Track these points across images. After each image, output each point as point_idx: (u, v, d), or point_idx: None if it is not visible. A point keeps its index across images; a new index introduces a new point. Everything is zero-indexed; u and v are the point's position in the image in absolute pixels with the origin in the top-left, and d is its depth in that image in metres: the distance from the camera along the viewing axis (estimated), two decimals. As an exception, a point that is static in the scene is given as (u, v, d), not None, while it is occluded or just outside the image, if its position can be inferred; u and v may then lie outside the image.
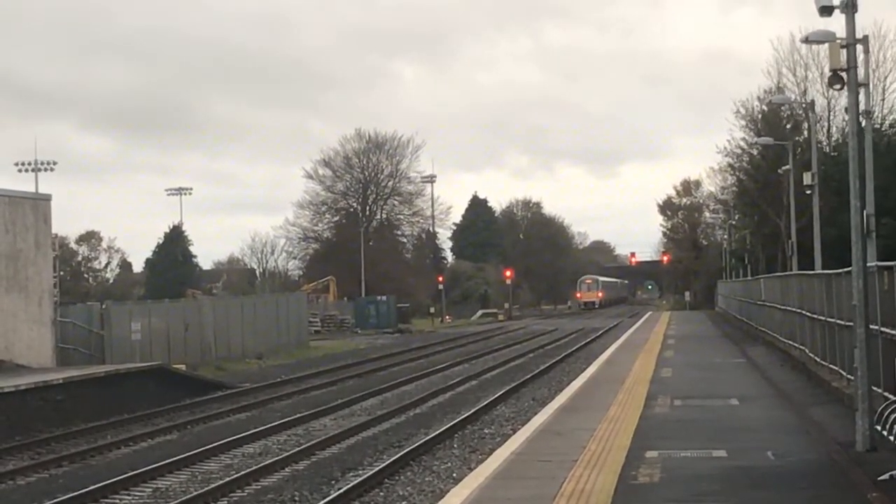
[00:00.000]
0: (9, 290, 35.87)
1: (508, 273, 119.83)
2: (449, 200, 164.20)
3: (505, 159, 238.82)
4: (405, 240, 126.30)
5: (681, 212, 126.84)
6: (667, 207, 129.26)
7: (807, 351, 29.88)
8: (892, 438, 16.22)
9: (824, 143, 61.78)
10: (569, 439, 17.73)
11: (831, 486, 13.77)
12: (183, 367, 40.93)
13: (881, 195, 33.59)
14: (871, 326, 17.58)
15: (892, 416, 16.53)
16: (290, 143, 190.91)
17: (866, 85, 29.97)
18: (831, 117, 64.24)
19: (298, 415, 29.27)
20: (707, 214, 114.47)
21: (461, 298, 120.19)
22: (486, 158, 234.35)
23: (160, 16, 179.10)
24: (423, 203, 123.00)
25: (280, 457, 22.17)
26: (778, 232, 61.63)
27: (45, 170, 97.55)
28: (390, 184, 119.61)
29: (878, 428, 16.67)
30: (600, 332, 68.42)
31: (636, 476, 14.31)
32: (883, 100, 61.49)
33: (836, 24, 17.66)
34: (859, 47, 18.18)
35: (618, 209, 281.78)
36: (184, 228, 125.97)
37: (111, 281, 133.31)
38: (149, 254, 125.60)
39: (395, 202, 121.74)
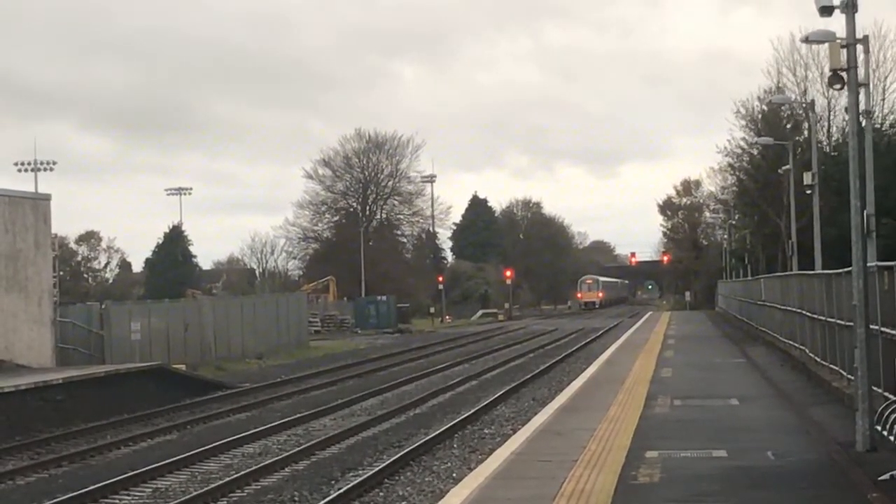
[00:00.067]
0: (9, 290, 35.86)
1: (508, 273, 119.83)
2: (449, 200, 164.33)
3: (505, 159, 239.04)
4: (405, 240, 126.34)
5: (681, 212, 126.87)
6: (667, 207, 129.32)
7: (807, 351, 29.88)
8: (892, 438, 16.21)
9: (824, 143, 61.76)
10: (569, 439, 17.72)
11: (831, 486, 13.76)
12: (183, 367, 40.92)
13: (881, 195, 33.58)
14: (871, 326, 17.58)
15: (893, 416, 16.52)
16: (290, 143, 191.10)
17: (866, 85, 29.97)
18: (831, 117, 64.27)
19: (298, 415, 29.27)
20: (707, 214, 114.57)
21: (461, 298, 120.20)
22: (486, 158, 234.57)
23: (160, 16, 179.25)
24: (423, 203, 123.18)
25: (280, 457, 22.16)
26: (778, 232, 61.61)
27: (45, 170, 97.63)
28: (390, 184, 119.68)
29: (879, 428, 16.67)
30: (600, 333, 68.42)
31: (636, 476, 14.30)
32: (883, 100, 61.49)
33: (837, 24, 17.68)
34: (859, 47, 18.17)
35: (618, 209, 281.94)
36: (184, 228, 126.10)
37: (111, 281, 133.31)
38: (148, 254, 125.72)
39: (395, 202, 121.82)
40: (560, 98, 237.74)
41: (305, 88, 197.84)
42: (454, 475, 19.28)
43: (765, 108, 66.93)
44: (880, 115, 59.75)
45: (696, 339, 48.56)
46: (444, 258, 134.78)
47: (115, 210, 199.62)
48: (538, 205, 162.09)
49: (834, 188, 47.56)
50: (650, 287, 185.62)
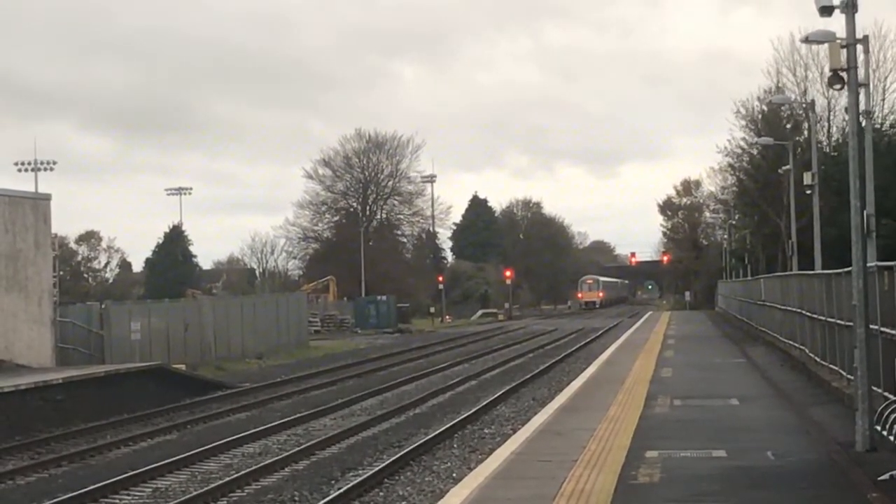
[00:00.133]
0: (9, 289, 35.86)
1: (508, 273, 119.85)
2: (449, 200, 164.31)
3: (505, 159, 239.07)
4: (405, 240, 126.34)
5: (681, 212, 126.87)
6: (667, 207, 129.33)
7: (807, 351, 29.88)
8: (892, 438, 16.21)
9: (824, 143, 61.76)
10: (569, 439, 17.72)
11: (831, 486, 13.76)
12: (183, 366, 40.92)
13: (881, 195, 33.58)
14: (871, 326, 17.58)
15: (892, 416, 16.52)
16: (290, 143, 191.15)
17: (866, 85, 29.99)
18: (831, 117, 64.27)
19: (298, 415, 29.27)
20: (707, 214, 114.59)
21: (461, 298, 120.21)
22: (486, 158, 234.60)
23: (160, 16, 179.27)
24: (423, 203, 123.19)
25: (280, 457, 22.16)
26: (778, 232, 61.62)
27: (45, 170, 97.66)
28: (390, 184, 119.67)
29: (878, 428, 16.66)
30: (600, 332, 68.42)
31: (636, 476, 14.30)
32: (883, 100, 61.50)
33: (837, 24, 17.67)
34: (859, 47, 18.17)
35: (618, 209, 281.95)
36: (184, 228, 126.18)
37: (111, 281, 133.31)
38: (149, 254, 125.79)
39: (395, 202, 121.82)
40: (560, 98, 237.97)
41: (305, 88, 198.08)
42: (454, 475, 19.28)
43: (765, 108, 66.94)
44: (880, 115, 59.80)
45: (696, 339, 48.55)
46: (444, 258, 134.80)
47: (115, 210, 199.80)
48: (538, 205, 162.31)
49: (834, 188, 47.55)
50: (650, 287, 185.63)
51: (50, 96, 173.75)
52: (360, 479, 19.07)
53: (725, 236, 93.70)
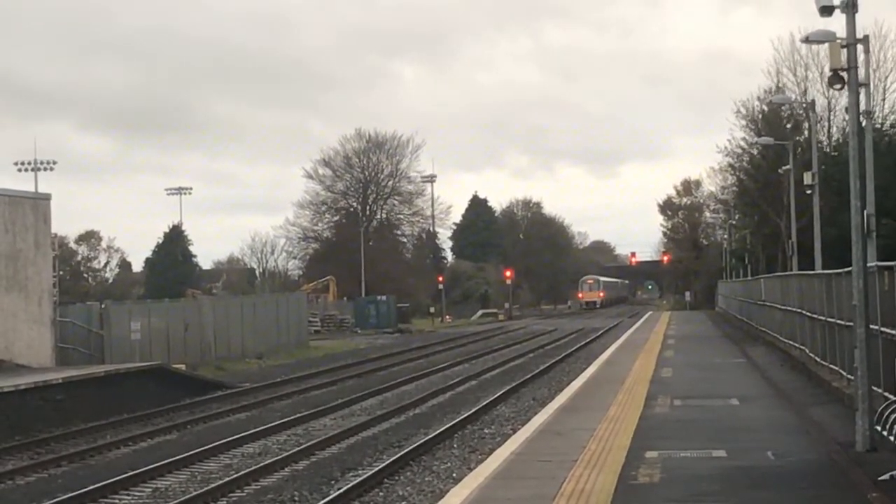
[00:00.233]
0: (9, 289, 35.86)
1: (508, 273, 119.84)
2: (449, 200, 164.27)
3: (505, 159, 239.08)
4: (405, 240, 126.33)
5: (681, 212, 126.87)
6: (667, 207, 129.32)
7: (807, 351, 29.87)
8: (892, 438, 16.20)
9: (825, 143, 61.76)
10: (569, 439, 17.72)
11: (831, 486, 13.75)
12: (183, 366, 40.91)
13: (881, 195, 33.57)
14: (871, 326, 17.57)
15: (892, 416, 16.51)
16: (290, 143, 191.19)
17: (867, 85, 29.99)
18: (832, 117, 64.26)
19: (298, 415, 29.26)
20: (707, 214, 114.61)
21: (461, 298, 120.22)
22: (486, 158, 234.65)
23: (160, 16, 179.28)
24: (423, 203, 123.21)
25: (280, 457, 22.15)
26: (778, 232, 61.60)
27: (45, 169, 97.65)
28: (390, 183, 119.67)
29: (878, 428, 16.66)
30: (600, 332, 68.41)
31: (636, 476, 14.29)
32: (883, 100, 61.47)
33: (837, 23, 17.66)
34: (860, 47, 18.15)
35: (618, 209, 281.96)
36: (184, 228, 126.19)
37: (111, 281, 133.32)
38: (149, 253, 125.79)
39: (395, 202, 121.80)
40: (560, 98, 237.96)
41: (305, 88, 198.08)
42: (454, 475, 19.27)
43: (765, 108, 66.94)
44: (880, 115, 59.77)
45: (696, 339, 48.55)
46: (444, 258, 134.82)
47: (115, 210, 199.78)
48: (538, 205, 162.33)
49: (834, 188, 47.55)
50: (650, 287, 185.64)
51: (50, 96, 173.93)
52: (360, 479, 19.06)
53: (725, 236, 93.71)
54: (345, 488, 18.32)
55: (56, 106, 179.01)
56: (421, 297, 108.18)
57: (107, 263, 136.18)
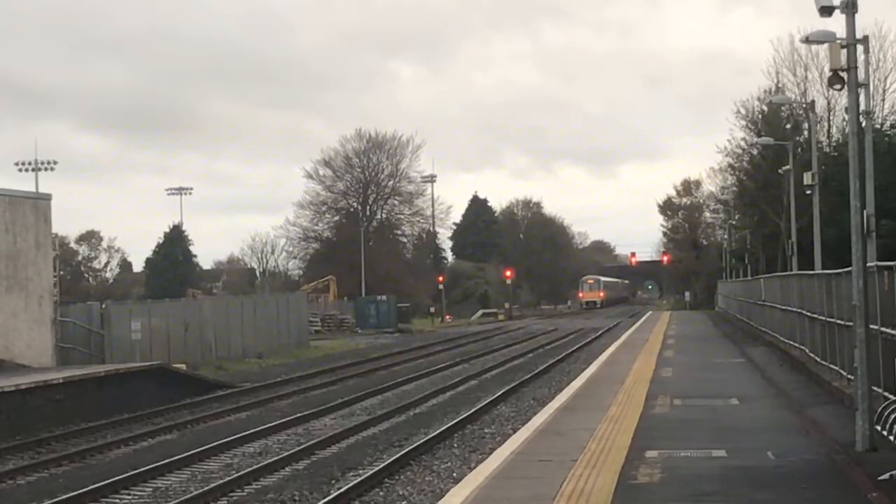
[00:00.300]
0: (9, 289, 35.89)
1: (508, 273, 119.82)
2: (449, 200, 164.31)
3: (504, 159, 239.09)
4: (405, 240, 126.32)
5: (681, 212, 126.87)
6: (667, 207, 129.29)
7: (807, 351, 29.88)
8: (892, 438, 16.22)
9: (824, 143, 61.77)
10: (569, 439, 17.73)
11: (831, 486, 13.76)
12: (183, 366, 40.92)
13: (881, 195, 33.57)
14: (871, 326, 17.58)
15: (892, 416, 16.53)
16: (290, 143, 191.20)
17: (866, 85, 30.02)
18: (831, 117, 64.29)
19: (298, 414, 29.27)
20: (707, 214, 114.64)
21: (461, 298, 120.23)
22: (485, 158, 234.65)
23: (160, 16, 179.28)
24: (423, 203, 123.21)
25: (280, 456, 22.17)
26: (778, 232, 61.62)
27: (45, 169, 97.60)
28: (390, 184, 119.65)
29: (878, 428, 16.68)
30: (600, 332, 68.41)
31: (636, 476, 14.30)
32: (883, 100, 61.51)
33: (837, 24, 17.66)
34: (859, 47, 18.17)
35: (618, 209, 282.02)
36: (184, 228, 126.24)
37: (111, 280, 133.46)
38: (149, 253, 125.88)
39: (395, 202, 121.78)
40: (559, 98, 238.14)
41: (305, 88, 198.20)
42: (454, 475, 19.30)
43: (765, 108, 66.98)
44: (880, 115, 59.80)
45: (695, 339, 48.54)
46: (444, 258, 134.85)
47: (115, 210, 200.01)
48: (538, 205, 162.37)
49: (834, 188, 47.56)
50: (650, 287, 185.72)
51: (50, 96, 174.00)
52: (360, 478, 19.08)
53: (725, 236, 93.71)
54: (345, 488, 18.33)
55: (56, 106, 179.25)
56: (421, 297, 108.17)
57: (107, 263, 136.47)
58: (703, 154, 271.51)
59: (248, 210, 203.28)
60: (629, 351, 40.01)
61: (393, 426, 27.01)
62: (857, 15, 16.88)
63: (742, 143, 70.20)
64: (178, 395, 34.68)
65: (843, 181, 22.64)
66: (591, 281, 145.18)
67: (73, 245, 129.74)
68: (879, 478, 13.80)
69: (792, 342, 33.71)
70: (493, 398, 31.22)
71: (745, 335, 50.65)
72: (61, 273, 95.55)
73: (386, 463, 20.48)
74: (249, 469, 20.70)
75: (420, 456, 21.73)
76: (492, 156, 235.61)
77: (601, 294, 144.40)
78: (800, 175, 43.18)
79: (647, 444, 16.85)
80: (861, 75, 19.57)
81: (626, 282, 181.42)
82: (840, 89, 17.84)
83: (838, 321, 23.12)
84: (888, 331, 17.99)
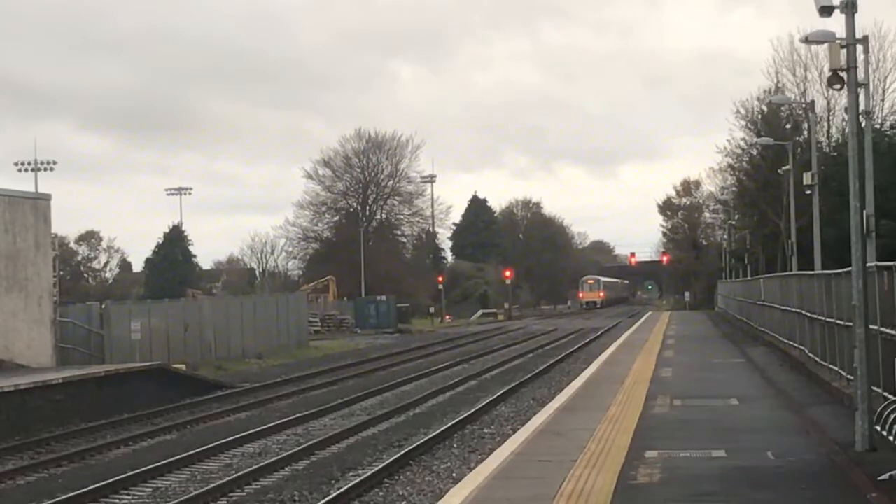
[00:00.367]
0: (9, 289, 35.88)
1: (508, 273, 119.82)
2: (449, 200, 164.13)
3: (504, 159, 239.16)
4: (405, 240, 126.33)
5: (681, 212, 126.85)
6: (667, 207, 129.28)
7: (806, 351, 29.88)
8: (891, 438, 16.22)
9: (824, 144, 61.79)
10: (568, 439, 17.72)
11: (831, 486, 13.76)
12: (183, 366, 40.91)
13: (881, 195, 33.59)
14: (871, 326, 17.58)
15: (892, 417, 16.53)
16: (290, 143, 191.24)
17: (866, 85, 30.01)
18: (831, 117, 64.29)
19: (298, 414, 29.27)
20: (707, 214, 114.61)
21: (461, 298, 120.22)
22: (485, 158, 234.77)
23: (160, 16, 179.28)
24: (422, 203, 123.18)
25: (280, 456, 22.17)
26: (778, 232, 61.63)
27: (45, 169, 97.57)
28: (390, 184, 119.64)
29: (878, 428, 16.67)
30: (600, 333, 68.41)
31: (636, 476, 14.30)
32: (883, 100, 61.55)
33: (836, 24, 17.66)
34: (859, 47, 18.18)
35: (618, 209, 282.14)
36: (183, 228, 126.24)
37: (111, 281, 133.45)
38: (148, 254, 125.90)
39: (395, 202, 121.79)
40: (559, 98, 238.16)
41: (304, 88, 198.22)
42: (454, 475, 19.29)
43: (764, 108, 66.99)
44: (880, 115, 59.83)
45: (695, 339, 48.53)
46: (444, 258, 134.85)
47: (115, 210, 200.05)
48: (538, 205, 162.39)
49: (834, 188, 47.56)
50: (650, 287, 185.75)
51: (50, 96, 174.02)
52: (360, 478, 19.08)
53: (725, 236, 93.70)
54: (345, 488, 18.33)
55: (56, 106, 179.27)
56: (421, 297, 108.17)
57: (107, 263, 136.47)
58: (703, 154, 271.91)
59: (247, 210, 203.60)
60: (629, 351, 40.00)
61: (392, 426, 27.01)
62: (856, 15, 16.89)
63: (742, 144, 70.30)
64: (177, 396, 34.67)
65: (842, 181, 22.63)
66: (591, 281, 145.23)
67: (72, 245, 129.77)
68: (879, 478, 13.80)
69: (791, 342, 33.71)
70: (492, 398, 31.22)
71: (744, 335, 50.65)
72: (61, 273, 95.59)
73: (385, 463, 20.48)
74: (249, 469, 20.70)
75: (420, 456, 21.72)
76: (492, 156, 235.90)
77: (601, 294, 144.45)
78: (799, 175, 43.18)
79: (646, 445, 16.85)
80: (861, 75, 19.57)
81: (626, 282, 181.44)
82: (840, 89, 17.84)
83: (838, 321, 23.12)
84: (888, 331, 17.99)
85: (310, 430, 27.02)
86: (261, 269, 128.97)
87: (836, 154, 57.13)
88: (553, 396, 27.99)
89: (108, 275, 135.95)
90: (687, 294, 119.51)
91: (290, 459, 21.95)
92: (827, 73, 18.73)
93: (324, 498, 17.71)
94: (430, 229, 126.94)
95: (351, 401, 32.59)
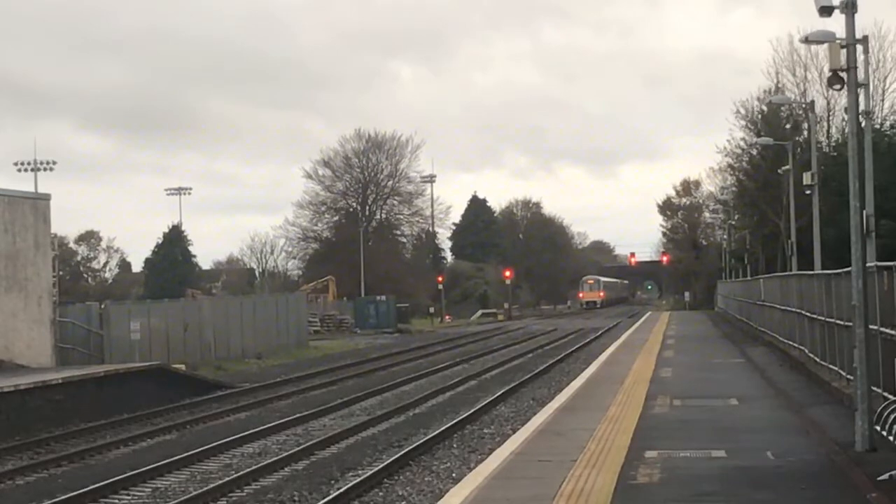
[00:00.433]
0: (8, 289, 35.87)
1: (508, 273, 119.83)
2: (448, 200, 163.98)
3: (504, 159, 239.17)
4: (405, 240, 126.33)
5: (680, 212, 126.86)
6: (666, 207, 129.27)
7: (806, 351, 29.88)
8: (891, 438, 16.22)
9: (824, 144, 61.80)
10: (568, 439, 17.72)
11: (831, 486, 13.76)
12: (182, 366, 40.91)
13: (881, 195, 33.59)
14: (871, 326, 17.57)
15: (892, 417, 16.53)
16: (290, 143, 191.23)
17: (866, 85, 30.01)
18: (831, 117, 64.30)
19: (298, 415, 29.27)
20: (707, 214, 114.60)
21: (461, 298, 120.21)
22: (485, 158, 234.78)
23: (159, 16, 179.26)
24: (422, 203, 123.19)
25: (279, 456, 22.16)
26: (777, 232, 61.63)
27: (45, 169, 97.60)
28: (390, 184, 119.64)
29: (878, 428, 16.67)
30: (600, 333, 68.41)
31: (636, 476, 14.30)
32: (883, 100, 61.57)
33: (836, 24, 17.66)
34: (859, 47, 18.17)
35: (618, 209, 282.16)
36: (183, 228, 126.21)
37: (110, 281, 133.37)
38: (148, 254, 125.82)
39: (395, 202, 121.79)
40: (559, 98, 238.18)
41: (304, 88, 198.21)
42: (454, 475, 19.29)
43: (764, 108, 67.00)
44: (880, 115, 59.85)
45: (695, 339, 48.53)
46: (444, 258, 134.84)
47: (115, 210, 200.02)
48: (538, 205, 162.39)
49: (834, 188, 47.57)
50: (650, 287, 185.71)
51: (49, 96, 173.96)
52: (359, 479, 19.07)
53: (725, 236, 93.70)
54: (344, 488, 18.33)
55: (56, 106, 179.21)
56: (420, 297, 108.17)
57: (106, 263, 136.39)
58: (703, 154, 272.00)
59: (247, 210, 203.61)
60: (629, 351, 40.00)
61: (392, 426, 27.00)
62: (856, 15, 16.88)
63: (742, 143, 70.31)
64: (177, 396, 34.67)
65: (842, 181, 22.63)
66: (591, 281, 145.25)
67: (72, 245, 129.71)
68: (879, 478, 13.80)
69: (791, 342, 33.71)
70: (492, 398, 31.21)
71: (744, 335, 50.65)
72: (60, 273, 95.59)
73: (385, 463, 20.48)
74: (248, 469, 20.70)
75: (419, 456, 21.72)
76: (492, 156, 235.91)
77: (601, 294, 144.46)
78: (799, 175, 43.17)
79: (646, 445, 16.84)
80: (861, 75, 19.56)
81: (626, 282, 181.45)
82: (840, 89, 17.83)
83: (838, 321, 23.12)
84: (887, 331, 17.98)
85: (309, 430, 27.01)
86: (260, 270, 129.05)
87: (835, 154, 57.13)
88: (553, 396, 27.99)
89: (107, 275, 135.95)
90: (687, 294, 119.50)
91: (290, 460, 21.94)
92: (827, 74, 18.73)
93: (323, 498, 17.70)
94: (430, 229, 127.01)
95: (350, 401, 32.59)
